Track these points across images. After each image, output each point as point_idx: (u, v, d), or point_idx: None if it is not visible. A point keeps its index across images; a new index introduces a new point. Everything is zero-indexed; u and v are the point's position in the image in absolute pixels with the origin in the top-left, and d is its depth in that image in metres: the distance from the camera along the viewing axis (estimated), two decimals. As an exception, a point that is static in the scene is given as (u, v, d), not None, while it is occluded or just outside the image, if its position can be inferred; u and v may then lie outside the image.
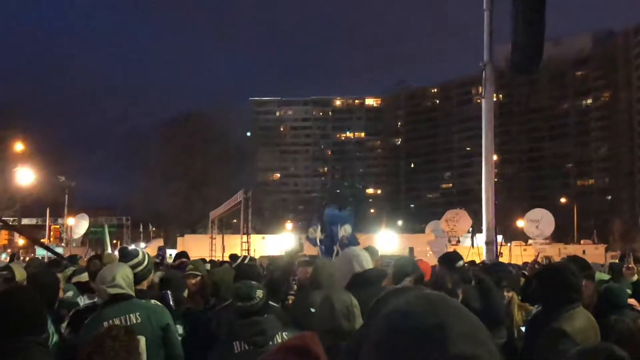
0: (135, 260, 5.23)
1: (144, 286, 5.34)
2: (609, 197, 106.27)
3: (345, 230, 14.18)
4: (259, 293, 4.21)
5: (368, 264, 5.14)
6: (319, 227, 13.59)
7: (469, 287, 6.12)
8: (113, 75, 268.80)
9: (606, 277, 7.49)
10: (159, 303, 4.98)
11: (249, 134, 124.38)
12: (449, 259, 6.54)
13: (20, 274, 5.98)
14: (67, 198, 49.14)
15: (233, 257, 12.96)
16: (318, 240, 14.20)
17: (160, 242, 45.70)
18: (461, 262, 6.50)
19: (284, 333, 4.12)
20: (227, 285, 5.85)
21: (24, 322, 2.99)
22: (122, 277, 4.63)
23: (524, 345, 4.60)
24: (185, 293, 6.69)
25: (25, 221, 49.83)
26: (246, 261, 9.06)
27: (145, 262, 5.31)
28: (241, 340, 4.05)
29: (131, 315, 4.48)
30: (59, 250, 28.75)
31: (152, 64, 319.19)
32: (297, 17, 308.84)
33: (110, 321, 4.33)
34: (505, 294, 5.81)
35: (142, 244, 52.34)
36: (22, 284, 5.58)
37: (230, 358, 3.93)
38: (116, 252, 22.18)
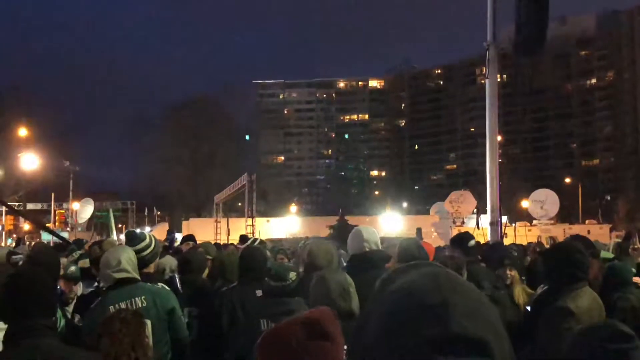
0: (143, 244, 5.22)
1: (151, 269, 5.34)
2: (614, 177, 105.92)
3: None
4: (292, 275, 4.25)
5: (378, 245, 5.18)
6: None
7: (477, 267, 6.12)
8: (117, 59, 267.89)
9: (610, 255, 7.50)
10: (165, 286, 4.99)
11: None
12: (461, 239, 6.52)
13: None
14: (72, 183, 49.26)
15: (243, 238, 13.00)
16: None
17: (165, 225, 45.76)
18: (473, 242, 6.49)
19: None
20: (233, 267, 5.87)
21: (34, 304, 3.01)
22: (127, 260, 4.64)
23: (528, 324, 4.59)
24: (205, 273, 6.77)
25: (30, 206, 49.90)
26: (256, 244, 9.05)
27: (152, 245, 5.30)
28: (268, 319, 4.09)
29: (136, 298, 4.50)
30: (64, 234, 28.82)
31: (155, 47, 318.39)
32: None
33: (117, 305, 4.34)
34: (508, 272, 5.81)
35: (147, 228, 52.40)
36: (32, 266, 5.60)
37: (256, 335, 3.98)
38: (122, 236, 22.27)
